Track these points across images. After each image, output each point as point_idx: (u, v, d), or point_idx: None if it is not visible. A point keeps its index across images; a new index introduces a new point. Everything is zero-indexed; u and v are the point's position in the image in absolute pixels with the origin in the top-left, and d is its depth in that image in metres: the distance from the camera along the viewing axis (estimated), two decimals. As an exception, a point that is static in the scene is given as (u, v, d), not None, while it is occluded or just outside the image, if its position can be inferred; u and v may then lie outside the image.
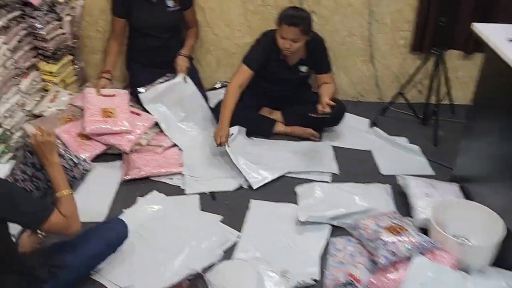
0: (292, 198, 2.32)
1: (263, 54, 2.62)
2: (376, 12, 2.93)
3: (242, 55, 2.68)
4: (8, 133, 2.46)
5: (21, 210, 1.44)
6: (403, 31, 2.99)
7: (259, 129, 2.77)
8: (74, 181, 1.84)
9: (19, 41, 2.53)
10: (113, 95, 2.67)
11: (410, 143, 2.76)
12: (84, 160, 1.81)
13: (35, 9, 2.57)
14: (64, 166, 1.76)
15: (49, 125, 2.54)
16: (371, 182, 2.38)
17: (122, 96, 2.70)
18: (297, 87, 2.78)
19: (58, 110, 2.71)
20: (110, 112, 2.56)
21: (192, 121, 2.76)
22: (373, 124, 2.92)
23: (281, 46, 2.52)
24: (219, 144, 2.43)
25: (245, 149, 2.58)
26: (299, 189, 2.34)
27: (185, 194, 2.33)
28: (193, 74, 2.90)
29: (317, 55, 2.67)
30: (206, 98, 2.89)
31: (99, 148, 2.50)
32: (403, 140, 2.78)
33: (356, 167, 2.56)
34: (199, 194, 2.33)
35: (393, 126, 2.92)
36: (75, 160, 1.79)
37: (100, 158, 2.51)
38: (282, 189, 2.40)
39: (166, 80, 2.75)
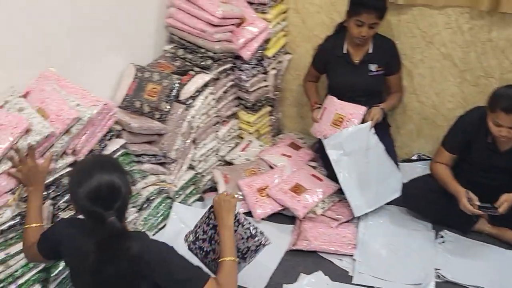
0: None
1: (463, 136, 2.24)
2: None
3: (447, 129, 2.34)
4: (199, 176, 2.61)
5: (176, 278, 1.41)
6: None
7: (456, 222, 2.32)
8: (248, 253, 1.76)
9: (224, 92, 2.69)
10: (325, 108, 2.56)
11: None
12: (262, 233, 1.72)
13: (245, 62, 2.70)
14: (240, 234, 1.73)
15: (235, 174, 2.64)
16: None
17: (331, 103, 2.55)
18: (509, 178, 2.25)
19: (247, 160, 2.78)
20: (339, 119, 2.46)
21: (375, 183, 2.43)
22: None
23: (496, 134, 2.07)
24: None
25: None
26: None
27: (352, 283, 2.07)
28: (387, 141, 2.61)
29: None
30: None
31: (274, 208, 2.44)
32: None
33: None
34: (367, 287, 2.04)
35: None
36: (252, 231, 1.73)
37: (274, 217, 2.46)
38: (473, 309, 1.93)
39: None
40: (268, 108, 3.01)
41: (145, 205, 2.27)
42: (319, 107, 2.65)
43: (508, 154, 2.18)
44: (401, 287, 2.03)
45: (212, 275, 1.50)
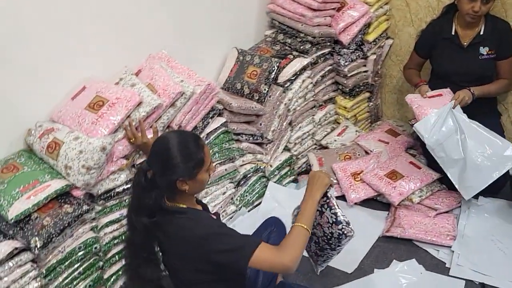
0: None
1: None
2: None
3: None
4: (294, 158, 2.67)
5: (223, 248, 1.37)
6: None
7: None
8: (332, 240, 1.67)
9: (322, 76, 2.70)
10: (440, 95, 2.36)
11: None
12: (347, 223, 1.63)
13: (344, 47, 2.69)
14: (327, 217, 1.66)
15: (329, 158, 2.65)
16: None
17: (447, 95, 2.34)
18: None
19: (342, 145, 2.77)
20: None
21: (478, 158, 2.16)
22: None
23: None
24: None
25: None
26: None
27: (449, 275, 1.98)
28: (496, 132, 2.41)
29: None
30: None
31: (368, 193, 2.41)
32: None
33: None
34: (465, 280, 1.94)
35: None
36: (338, 217, 1.63)
37: (368, 203, 2.43)
38: None
39: None
40: (367, 94, 2.96)
41: (242, 182, 2.39)
42: (426, 84, 2.46)
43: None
44: (507, 284, 1.90)
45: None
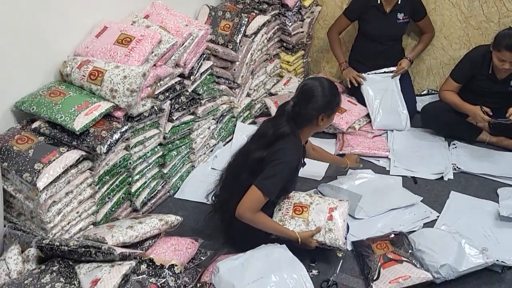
0: (492, 197, 2.47)
1: (470, 69, 2.81)
2: None
3: (454, 65, 2.94)
4: (253, 102, 3.15)
5: (266, 175, 1.85)
6: None
7: (463, 134, 2.94)
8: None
9: (273, 33, 3.20)
10: None
11: None
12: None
13: (288, 9, 3.22)
14: None
15: (283, 101, 3.17)
16: None
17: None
18: (507, 101, 2.83)
19: (290, 92, 3.32)
20: None
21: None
22: None
23: (500, 68, 2.64)
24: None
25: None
26: (501, 191, 2.47)
27: (390, 174, 2.67)
28: (405, 77, 3.22)
29: None
30: (415, 101, 3.19)
31: (319, 126, 3.00)
32: None
33: None
34: (402, 176, 2.65)
35: None
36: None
37: (318, 134, 2.98)
38: (483, 188, 2.56)
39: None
40: (302, 52, 3.54)
41: (220, 119, 2.80)
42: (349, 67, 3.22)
43: (505, 81, 2.79)
44: (428, 176, 2.64)
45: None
